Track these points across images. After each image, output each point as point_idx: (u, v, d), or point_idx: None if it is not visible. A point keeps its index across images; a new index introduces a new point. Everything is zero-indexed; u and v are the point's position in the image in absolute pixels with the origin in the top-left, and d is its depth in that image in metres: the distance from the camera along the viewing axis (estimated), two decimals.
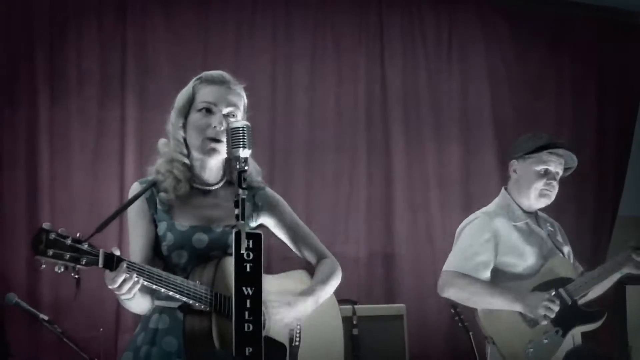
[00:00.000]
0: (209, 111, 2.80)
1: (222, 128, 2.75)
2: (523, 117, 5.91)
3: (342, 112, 5.47)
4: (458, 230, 4.03)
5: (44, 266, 2.31)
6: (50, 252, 2.29)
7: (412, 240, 5.40)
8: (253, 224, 2.93)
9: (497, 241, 3.88)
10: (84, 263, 2.35)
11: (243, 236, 2.43)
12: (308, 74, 5.40)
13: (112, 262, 2.43)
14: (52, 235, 2.29)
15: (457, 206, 5.44)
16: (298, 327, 2.87)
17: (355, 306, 4.61)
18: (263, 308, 2.64)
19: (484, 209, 4.06)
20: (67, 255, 2.32)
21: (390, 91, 5.58)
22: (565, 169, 4.05)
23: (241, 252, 2.45)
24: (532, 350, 3.75)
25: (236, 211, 2.44)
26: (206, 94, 2.83)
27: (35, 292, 4.56)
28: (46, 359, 4.56)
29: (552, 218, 4.21)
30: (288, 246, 3.06)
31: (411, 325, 4.82)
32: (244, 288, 2.46)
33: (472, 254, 3.87)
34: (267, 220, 2.98)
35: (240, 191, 2.45)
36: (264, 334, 2.66)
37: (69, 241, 2.32)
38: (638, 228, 5.86)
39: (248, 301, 2.45)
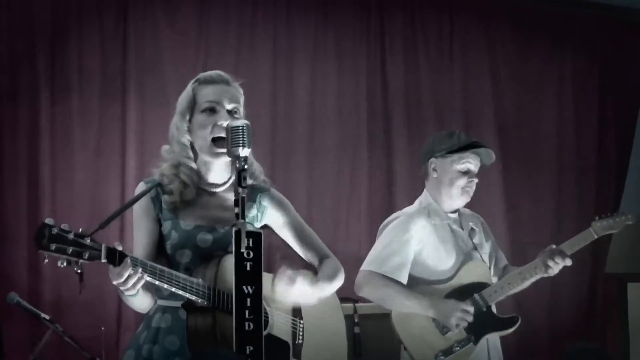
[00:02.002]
0: (213, 110, 2.80)
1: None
2: (524, 115, 5.91)
3: (343, 110, 5.48)
4: (380, 229, 3.97)
5: (46, 260, 2.32)
6: (53, 246, 2.29)
7: None
8: (258, 225, 2.94)
9: (416, 243, 3.82)
10: (86, 257, 2.35)
11: (243, 235, 2.43)
12: (309, 73, 5.41)
13: (115, 257, 2.43)
14: (55, 230, 2.30)
15: None
16: (301, 324, 2.87)
17: (357, 304, 4.60)
18: (265, 306, 2.65)
19: (405, 209, 3.99)
20: (70, 250, 2.32)
21: (391, 89, 5.59)
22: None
23: (241, 250, 2.45)
24: (442, 357, 3.71)
25: (236, 210, 2.45)
26: (207, 93, 2.82)
27: (36, 291, 4.58)
28: (48, 358, 4.56)
29: (477, 214, 4.11)
30: (289, 246, 3.06)
31: None
32: (244, 287, 2.46)
33: (390, 254, 3.80)
34: (271, 221, 2.98)
35: (240, 190, 2.46)
36: (267, 331, 2.68)
37: (71, 236, 2.33)
38: (639, 227, 5.85)
39: (248, 300, 2.46)
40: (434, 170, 3.90)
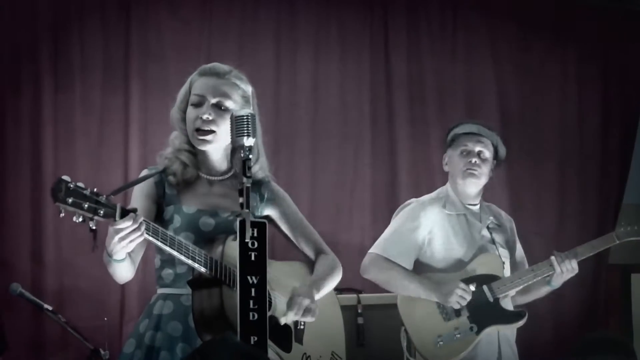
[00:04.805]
0: (199, 103, 2.84)
1: (211, 118, 2.79)
2: (527, 103, 5.89)
3: (347, 98, 5.46)
4: (394, 213, 4.05)
5: (62, 214, 2.34)
6: (70, 200, 2.31)
7: None
8: (257, 215, 2.95)
9: (426, 230, 3.86)
10: (102, 214, 2.37)
11: (248, 224, 2.43)
12: (312, 60, 5.40)
13: None
14: (72, 185, 2.32)
15: None
16: None
17: (360, 295, 4.60)
18: (269, 290, 2.65)
19: (422, 197, 4.04)
20: (86, 205, 2.34)
21: (394, 77, 5.57)
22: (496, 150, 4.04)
23: (246, 240, 2.45)
24: (441, 343, 3.72)
25: (240, 200, 2.45)
26: (198, 87, 2.88)
27: (38, 281, 4.57)
28: (50, 349, 4.57)
29: (509, 215, 4.16)
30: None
31: None
32: (248, 277, 2.46)
33: (396, 239, 3.86)
34: (271, 213, 3.00)
35: (245, 179, 2.46)
36: (270, 312, 2.68)
37: (87, 192, 2.35)
38: None
39: (253, 290, 2.45)
40: (446, 164, 4.00)
